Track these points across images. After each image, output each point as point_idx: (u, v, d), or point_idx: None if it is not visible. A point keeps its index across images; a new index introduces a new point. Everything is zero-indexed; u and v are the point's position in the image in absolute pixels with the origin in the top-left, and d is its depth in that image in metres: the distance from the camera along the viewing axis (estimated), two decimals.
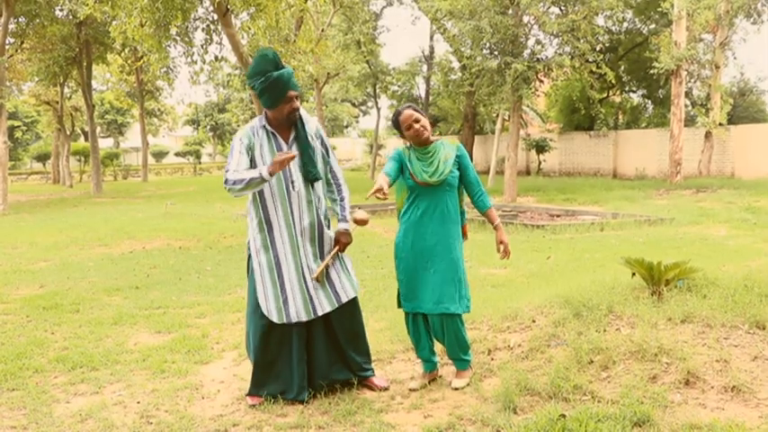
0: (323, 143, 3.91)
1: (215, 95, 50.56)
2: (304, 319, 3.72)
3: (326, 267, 3.80)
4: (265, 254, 3.75)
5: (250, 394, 3.80)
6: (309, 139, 3.81)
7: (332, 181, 3.95)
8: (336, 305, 3.79)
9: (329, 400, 3.73)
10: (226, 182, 3.60)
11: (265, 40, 12.26)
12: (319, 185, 3.84)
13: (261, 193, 3.72)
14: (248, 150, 3.72)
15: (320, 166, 3.84)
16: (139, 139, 35.57)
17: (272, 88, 3.71)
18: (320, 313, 3.75)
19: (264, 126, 3.79)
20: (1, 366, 4.44)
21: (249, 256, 3.87)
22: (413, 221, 3.86)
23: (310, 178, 3.76)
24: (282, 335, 3.76)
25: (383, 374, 4.10)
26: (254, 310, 3.80)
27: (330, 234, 3.87)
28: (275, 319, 3.71)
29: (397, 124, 3.91)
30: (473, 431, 3.27)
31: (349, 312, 3.88)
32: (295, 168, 3.74)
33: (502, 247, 3.93)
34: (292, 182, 3.73)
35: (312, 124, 3.89)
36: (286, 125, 3.80)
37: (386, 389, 3.87)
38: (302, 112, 3.87)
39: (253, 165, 3.70)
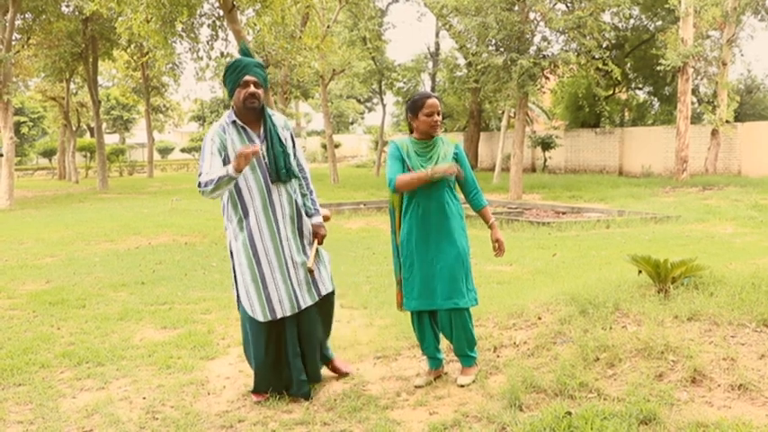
0: (291, 136, 3.86)
1: (220, 91, 50.49)
2: (289, 313, 3.70)
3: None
4: (245, 252, 3.66)
5: (255, 392, 3.81)
6: (280, 131, 3.77)
7: (299, 174, 3.87)
8: (317, 298, 3.80)
9: (334, 397, 3.74)
10: (198, 185, 3.55)
11: (271, 37, 12.28)
12: (294, 178, 3.81)
13: (238, 190, 3.65)
14: (220, 150, 3.62)
15: (292, 159, 3.79)
16: (145, 135, 35.68)
17: (230, 73, 3.68)
18: (303, 306, 3.74)
19: (234, 121, 3.71)
20: (8, 361, 4.46)
21: (232, 260, 3.77)
22: (416, 219, 3.84)
23: (282, 173, 3.67)
24: (278, 333, 3.77)
25: (389, 371, 4.11)
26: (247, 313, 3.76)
27: (309, 225, 3.84)
28: (260, 317, 3.67)
29: (419, 106, 3.80)
30: (479, 428, 3.27)
31: (329, 303, 3.94)
32: (270, 162, 3.69)
33: (497, 245, 3.97)
34: (270, 175, 3.68)
35: (279, 118, 3.84)
36: (253, 117, 3.72)
37: (347, 374, 4.04)
38: (269, 110, 3.81)
39: (226, 164, 3.59)
